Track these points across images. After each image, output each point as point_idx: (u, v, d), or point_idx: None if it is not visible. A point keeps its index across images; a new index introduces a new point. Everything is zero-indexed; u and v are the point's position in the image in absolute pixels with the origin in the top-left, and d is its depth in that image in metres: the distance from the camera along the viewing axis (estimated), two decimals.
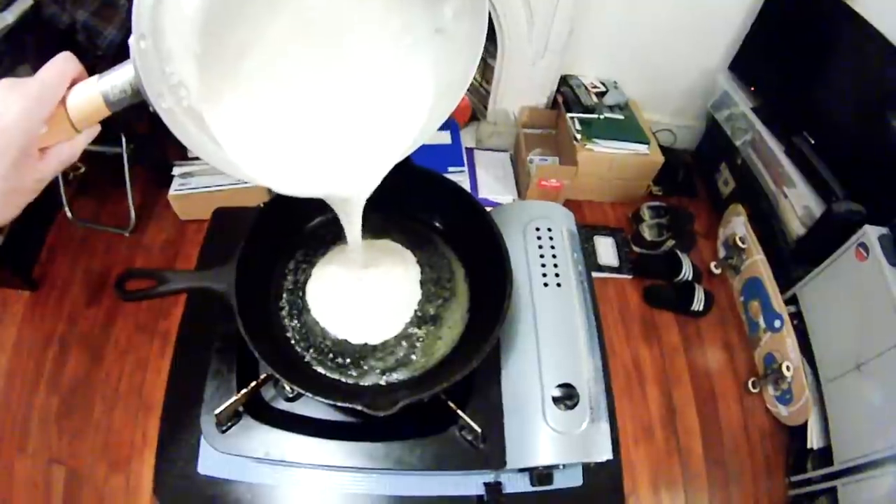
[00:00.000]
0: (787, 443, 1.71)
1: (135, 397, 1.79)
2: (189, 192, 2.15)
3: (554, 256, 0.88)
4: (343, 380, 0.75)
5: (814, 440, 1.61)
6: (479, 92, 2.41)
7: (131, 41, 0.45)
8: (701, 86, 2.31)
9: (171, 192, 2.13)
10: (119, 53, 1.98)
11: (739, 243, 1.96)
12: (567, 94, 2.18)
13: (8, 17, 1.93)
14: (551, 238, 0.90)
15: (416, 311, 0.83)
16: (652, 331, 1.94)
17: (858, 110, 1.70)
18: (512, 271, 0.75)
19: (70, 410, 1.78)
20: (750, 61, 2.11)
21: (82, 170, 2.44)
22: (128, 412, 1.76)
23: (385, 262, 0.88)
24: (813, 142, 1.78)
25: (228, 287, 0.71)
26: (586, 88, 2.19)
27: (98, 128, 0.52)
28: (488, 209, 0.85)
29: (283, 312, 0.81)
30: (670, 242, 2.06)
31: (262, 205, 0.81)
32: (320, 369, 0.76)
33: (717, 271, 2.08)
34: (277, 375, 0.64)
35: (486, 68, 2.30)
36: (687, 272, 1.98)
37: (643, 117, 2.21)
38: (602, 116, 2.12)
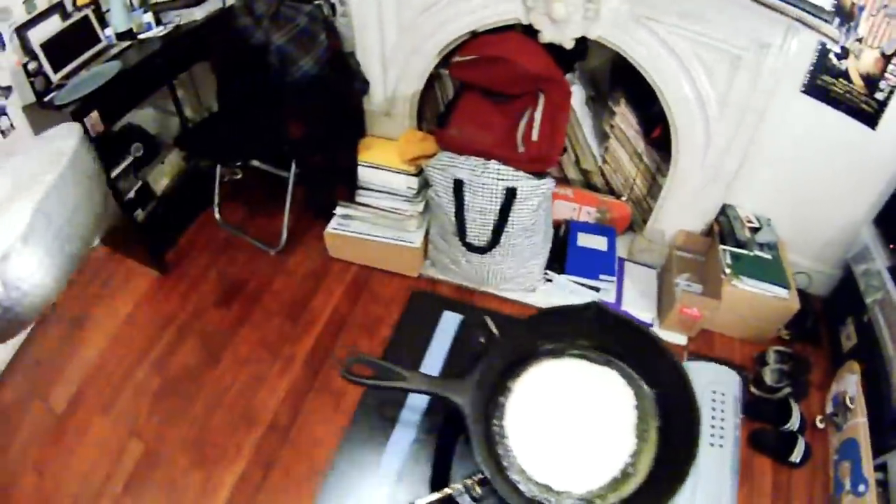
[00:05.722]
0: None
1: (241, 408, 1.78)
2: (346, 233, 2.14)
3: (723, 420, 1.02)
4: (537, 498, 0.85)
5: None
6: (642, 205, 2.45)
7: None
8: (844, 235, 2.28)
9: (329, 228, 2.15)
10: (310, 85, 1.95)
11: (848, 403, 1.95)
12: (723, 224, 2.24)
13: (196, 14, 2.01)
14: (723, 402, 1.04)
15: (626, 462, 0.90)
16: (746, 473, 1.92)
17: None
18: (700, 435, 0.87)
19: (169, 395, 1.78)
20: (893, 218, 2.07)
21: (239, 176, 2.44)
22: (230, 420, 1.75)
23: (602, 397, 0.96)
24: None
25: (465, 404, 0.85)
26: (742, 222, 2.23)
27: None
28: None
29: (496, 427, 0.92)
30: (787, 390, 2.07)
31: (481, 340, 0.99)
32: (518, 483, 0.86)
33: (822, 426, 2.07)
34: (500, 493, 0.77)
35: (653, 184, 2.37)
36: (795, 422, 1.99)
37: (787, 258, 2.23)
38: (753, 253, 2.16)
